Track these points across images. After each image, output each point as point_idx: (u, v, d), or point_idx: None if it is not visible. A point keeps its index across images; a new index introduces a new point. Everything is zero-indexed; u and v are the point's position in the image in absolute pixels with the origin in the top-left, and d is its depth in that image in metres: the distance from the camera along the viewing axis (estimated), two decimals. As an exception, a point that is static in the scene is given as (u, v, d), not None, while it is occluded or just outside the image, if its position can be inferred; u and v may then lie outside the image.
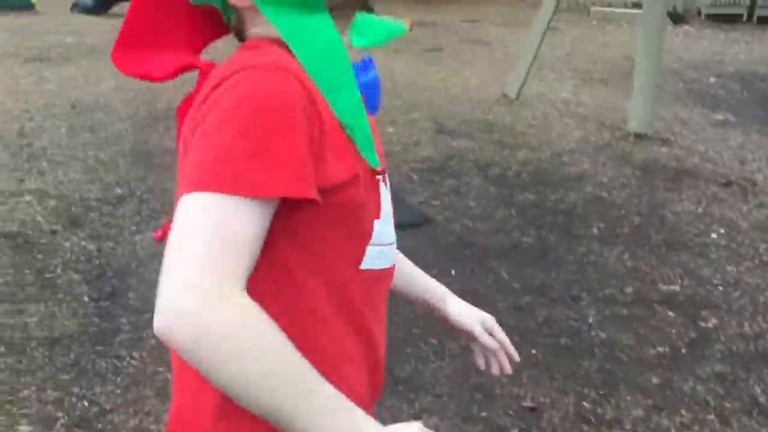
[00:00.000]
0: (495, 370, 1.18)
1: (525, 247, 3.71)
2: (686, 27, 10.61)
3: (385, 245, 0.92)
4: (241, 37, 0.92)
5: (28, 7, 10.25)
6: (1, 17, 9.56)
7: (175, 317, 0.68)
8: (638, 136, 5.40)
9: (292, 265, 0.82)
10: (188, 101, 0.87)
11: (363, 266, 0.88)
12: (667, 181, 4.64)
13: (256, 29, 0.89)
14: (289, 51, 0.84)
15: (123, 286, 3.19)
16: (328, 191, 0.80)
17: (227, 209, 0.71)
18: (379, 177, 0.91)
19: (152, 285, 3.13)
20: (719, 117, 6.22)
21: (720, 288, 3.34)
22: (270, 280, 0.81)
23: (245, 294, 0.71)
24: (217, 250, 0.70)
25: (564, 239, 3.79)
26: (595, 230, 3.92)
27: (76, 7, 10.22)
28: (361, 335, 0.91)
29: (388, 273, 0.96)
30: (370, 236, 0.88)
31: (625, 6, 11.91)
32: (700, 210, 4.21)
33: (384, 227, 0.91)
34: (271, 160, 0.73)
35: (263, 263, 0.77)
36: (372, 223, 0.88)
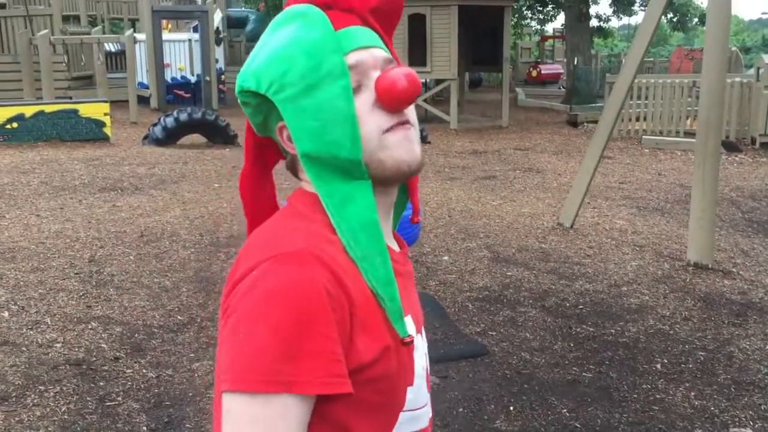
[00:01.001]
0: None
1: (585, 382, 3.61)
2: (740, 156, 10.62)
3: (419, 408, 0.93)
4: (294, 172, 0.97)
5: (103, 139, 10.97)
6: (78, 149, 10.24)
7: None
8: (699, 267, 5.32)
9: None
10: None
11: None
12: (732, 315, 4.51)
13: (304, 176, 0.94)
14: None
15: (179, 415, 3.21)
16: (360, 370, 0.83)
17: (271, 410, 0.77)
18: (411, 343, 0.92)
19: (207, 414, 3.16)
20: (782, 247, 6.08)
21: (797, 432, 3.16)
22: None
23: None
24: None
25: (626, 375, 3.68)
26: (659, 366, 3.80)
27: (147, 139, 10.88)
28: None
29: None
30: (403, 404, 0.90)
31: (677, 134, 12.05)
32: (769, 346, 4.05)
33: (418, 392, 0.92)
34: (303, 358, 0.77)
35: None
36: (405, 391, 0.90)
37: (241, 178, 1.00)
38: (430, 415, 0.99)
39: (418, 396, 0.93)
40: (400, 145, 0.89)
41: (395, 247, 0.99)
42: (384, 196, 0.93)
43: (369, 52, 0.90)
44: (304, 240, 0.84)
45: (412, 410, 0.92)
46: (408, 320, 0.92)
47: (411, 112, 0.92)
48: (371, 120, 0.88)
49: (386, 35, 0.96)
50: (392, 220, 1.00)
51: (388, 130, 0.88)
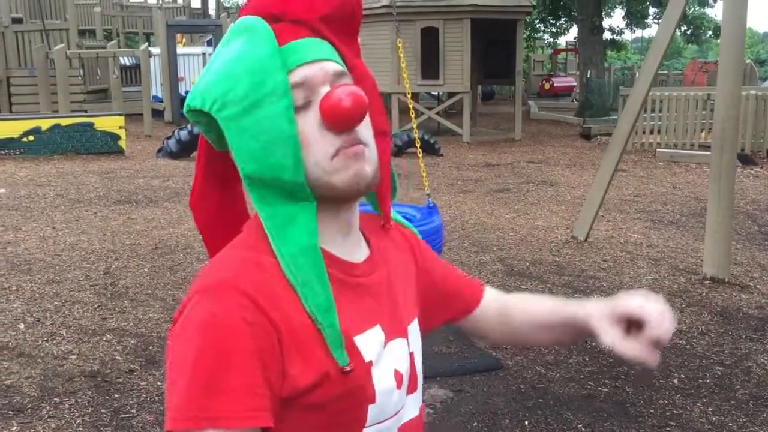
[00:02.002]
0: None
1: (601, 397, 3.58)
2: (756, 169, 10.54)
3: (387, 419, 0.91)
4: None
5: (118, 152, 11.06)
6: (93, 162, 10.33)
7: None
8: (715, 281, 5.27)
9: None
10: None
11: None
12: (749, 329, 4.46)
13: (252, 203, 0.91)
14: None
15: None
16: (299, 396, 0.82)
17: None
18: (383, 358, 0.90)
19: None
20: (799, 261, 6.03)
21: (818, 449, 3.12)
22: None
23: None
24: None
25: (642, 390, 3.65)
26: (676, 381, 3.76)
27: (161, 152, 10.96)
28: None
29: None
30: (364, 421, 0.88)
31: (692, 147, 11.99)
32: (787, 361, 4.00)
33: (384, 406, 0.90)
34: (223, 393, 0.77)
35: None
36: (365, 408, 0.88)
37: (192, 192, 0.98)
38: (416, 411, 0.98)
39: (385, 409, 0.90)
40: (348, 167, 0.85)
41: (358, 258, 0.94)
42: (336, 212, 0.90)
43: (318, 66, 0.87)
44: (231, 270, 0.83)
45: (379, 423, 0.89)
46: (373, 333, 0.90)
47: (364, 128, 0.88)
48: (318, 143, 0.85)
49: (344, 43, 0.93)
50: (357, 232, 0.96)
51: (336, 154, 0.85)
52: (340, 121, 0.84)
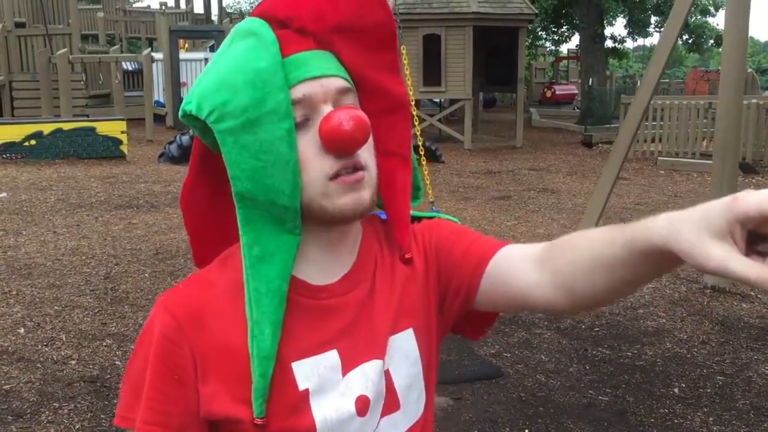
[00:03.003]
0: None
1: (602, 406, 3.57)
2: (757, 178, 10.54)
3: None
4: None
5: (120, 157, 11.07)
6: (95, 166, 10.34)
7: None
8: (716, 290, 5.26)
9: None
10: None
11: None
12: (750, 339, 4.45)
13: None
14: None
15: None
16: (220, 422, 0.83)
17: None
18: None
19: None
20: (801, 270, 6.02)
21: (819, 459, 3.10)
22: None
23: None
24: None
25: (643, 399, 3.64)
26: (677, 390, 3.75)
27: (163, 157, 10.97)
28: None
29: None
30: None
31: (693, 156, 11.99)
32: (788, 371, 3.99)
33: None
34: (136, 400, 0.83)
35: None
36: None
37: (183, 188, 0.94)
38: (402, 430, 0.91)
39: None
40: (344, 193, 0.82)
41: (336, 275, 0.89)
42: (324, 232, 0.87)
43: (319, 83, 0.82)
44: (174, 291, 0.87)
45: None
46: (321, 358, 0.85)
47: (365, 151, 0.83)
48: (316, 163, 0.81)
49: (362, 56, 0.86)
50: (348, 245, 0.91)
51: (333, 177, 0.81)
52: (339, 146, 0.80)
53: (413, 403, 0.92)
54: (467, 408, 3.48)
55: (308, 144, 0.81)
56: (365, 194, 0.84)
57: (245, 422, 0.81)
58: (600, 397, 3.65)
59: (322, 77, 0.82)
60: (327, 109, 0.82)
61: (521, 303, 0.91)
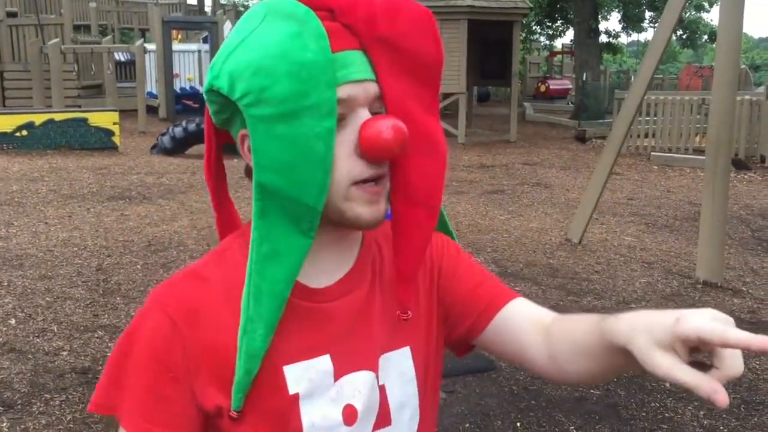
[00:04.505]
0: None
1: (593, 399, 3.58)
2: (750, 174, 10.59)
3: None
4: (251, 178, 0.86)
5: (112, 148, 11.02)
6: (87, 157, 10.29)
7: None
8: (708, 285, 5.28)
9: None
10: None
11: None
12: (741, 333, 4.47)
13: None
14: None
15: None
16: (212, 414, 0.83)
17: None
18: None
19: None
20: (792, 266, 6.05)
21: (808, 454, 3.13)
22: None
23: None
24: None
25: (634, 393, 3.65)
26: (668, 384, 3.76)
27: (155, 149, 10.92)
28: None
29: None
30: None
31: (686, 151, 12.03)
32: (779, 366, 4.01)
33: None
34: (114, 388, 0.84)
35: None
36: None
37: (205, 165, 0.93)
38: None
39: None
40: (365, 203, 0.82)
41: (333, 278, 0.89)
42: (331, 234, 0.86)
43: (363, 86, 0.80)
44: (167, 287, 0.86)
45: None
46: (313, 362, 0.85)
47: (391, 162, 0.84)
48: (346, 164, 0.80)
49: (400, 80, 0.83)
50: (348, 249, 0.91)
51: (358, 183, 0.81)
52: (378, 154, 0.79)
53: (405, 422, 0.91)
54: (459, 401, 3.49)
55: (341, 144, 0.80)
56: (382, 207, 0.84)
57: (223, 410, 0.82)
58: (591, 391, 3.67)
59: (366, 81, 0.81)
60: (363, 112, 0.81)
61: (517, 359, 0.94)
